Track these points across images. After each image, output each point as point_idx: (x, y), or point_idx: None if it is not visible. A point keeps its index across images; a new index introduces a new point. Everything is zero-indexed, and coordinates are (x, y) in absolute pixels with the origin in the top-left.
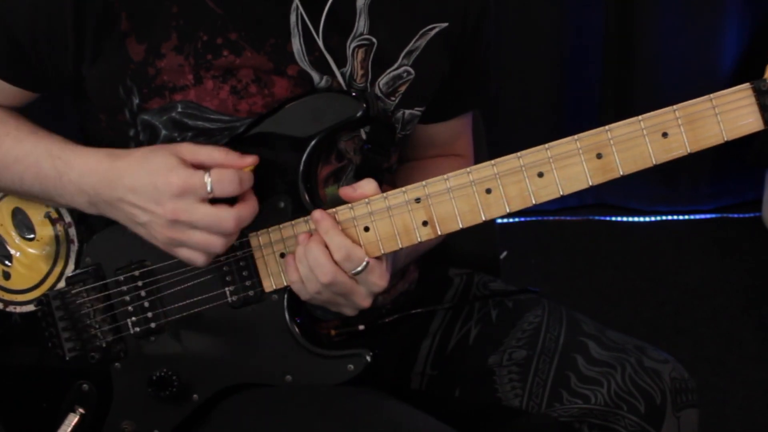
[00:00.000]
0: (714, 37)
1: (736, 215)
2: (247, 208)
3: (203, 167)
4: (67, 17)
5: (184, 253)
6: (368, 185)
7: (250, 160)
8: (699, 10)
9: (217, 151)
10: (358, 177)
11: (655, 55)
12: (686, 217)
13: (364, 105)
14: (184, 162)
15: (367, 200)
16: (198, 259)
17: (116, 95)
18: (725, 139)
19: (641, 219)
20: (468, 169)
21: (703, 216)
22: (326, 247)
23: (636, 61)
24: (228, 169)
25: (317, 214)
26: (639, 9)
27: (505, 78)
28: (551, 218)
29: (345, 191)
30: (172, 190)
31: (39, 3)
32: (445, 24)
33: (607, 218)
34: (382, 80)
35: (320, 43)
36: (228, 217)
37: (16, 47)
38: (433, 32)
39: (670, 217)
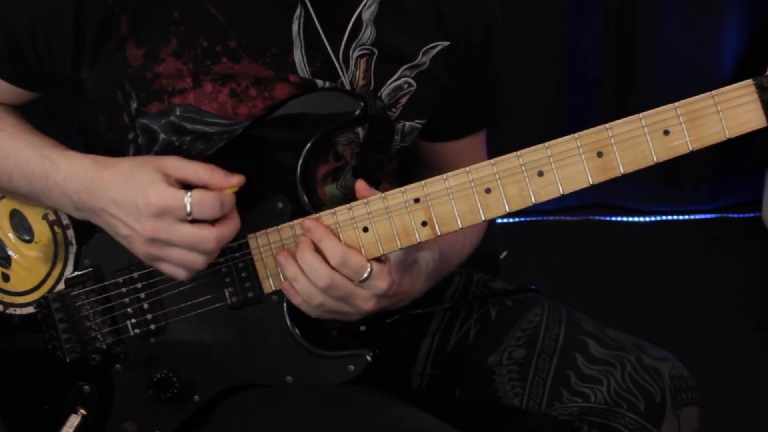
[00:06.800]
0: (714, 37)
1: (736, 215)
2: (229, 227)
3: (188, 183)
4: (68, 22)
5: (165, 268)
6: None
7: (235, 181)
8: (699, 10)
9: (203, 169)
10: (356, 176)
11: (655, 55)
12: (686, 217)
13: (362, 103)
14: (167, 179)
15: (365, 200)
16: (179, 274)
17: (115, 99)
18: (728, 136)
19: (641, 219)
20: (467, 169)
21: (703, 216)
22: (319, 251)
23: (636, 61)
24: (210, 192)
25: (307, 223)
26: (639, 9)
27: (506, 78)
28: (551, 218)
29: (361, 185)
30: (152, 210)
31: (39, 7)
32: (447, 42)
33: (607, 218)
34: (384, 91)
35: (340, 52)
36: (209, 237)
37: (15, 47)
38: (435, 50)
39: (670, 217)
